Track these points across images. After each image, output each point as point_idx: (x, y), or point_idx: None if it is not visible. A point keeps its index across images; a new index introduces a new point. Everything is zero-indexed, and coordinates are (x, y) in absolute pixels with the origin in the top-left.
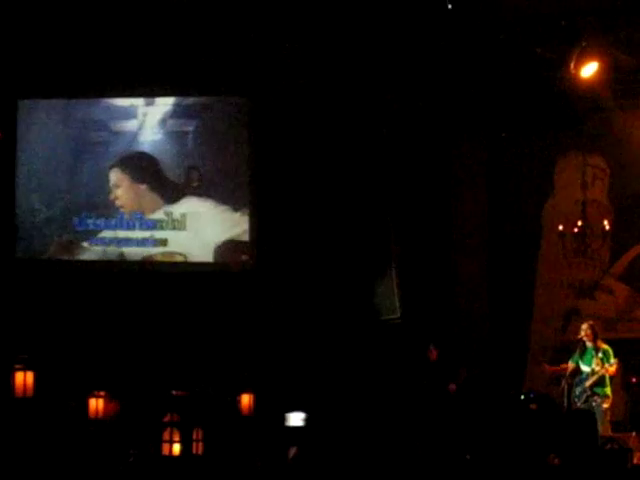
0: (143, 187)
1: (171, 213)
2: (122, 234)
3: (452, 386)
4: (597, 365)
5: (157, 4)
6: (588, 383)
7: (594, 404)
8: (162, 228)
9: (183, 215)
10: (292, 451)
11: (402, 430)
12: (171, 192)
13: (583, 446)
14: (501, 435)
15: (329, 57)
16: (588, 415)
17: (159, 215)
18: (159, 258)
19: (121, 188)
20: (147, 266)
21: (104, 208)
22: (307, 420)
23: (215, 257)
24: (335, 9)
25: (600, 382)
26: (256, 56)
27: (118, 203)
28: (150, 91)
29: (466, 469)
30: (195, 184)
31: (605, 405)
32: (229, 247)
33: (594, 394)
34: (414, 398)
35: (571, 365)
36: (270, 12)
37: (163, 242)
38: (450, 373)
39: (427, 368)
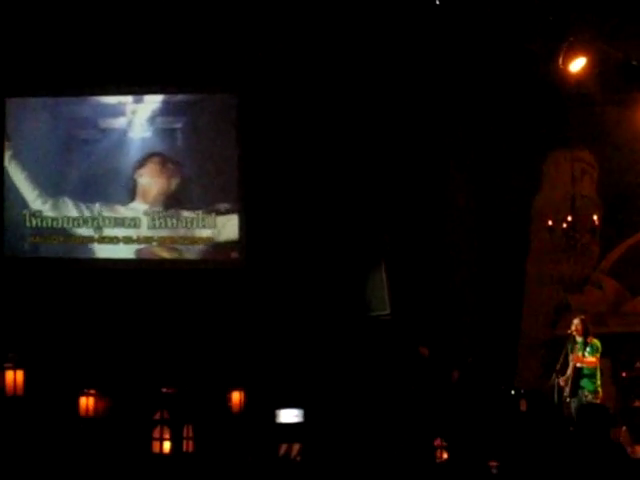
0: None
1: (160, 211)
2: (110, 232)
3: (455, 373)
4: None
5: (144, 2)
6: (563, 379)
7: (584, 399)
8: (154, 227)
9: (172, 213)
10: (283, 448)
11: (392, 426)
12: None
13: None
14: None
15: (317, 53)
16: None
17: (147, 212)
18: (148, 256)
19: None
20: (137, 264)
21: (93, 205)
22: (299, 416)
23: (205, 255)
24: (322, 4)
25: (589, 376)
26: (244, 53)
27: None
28: (138, 89)
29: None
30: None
31: (595, 400)
32: (219, 244)
33: (582, 388)
34: (404, 395)
35: (562, 361)
36: (257, 8)
37: (151, 239)
38: (442, 371)
39: (418, 366)
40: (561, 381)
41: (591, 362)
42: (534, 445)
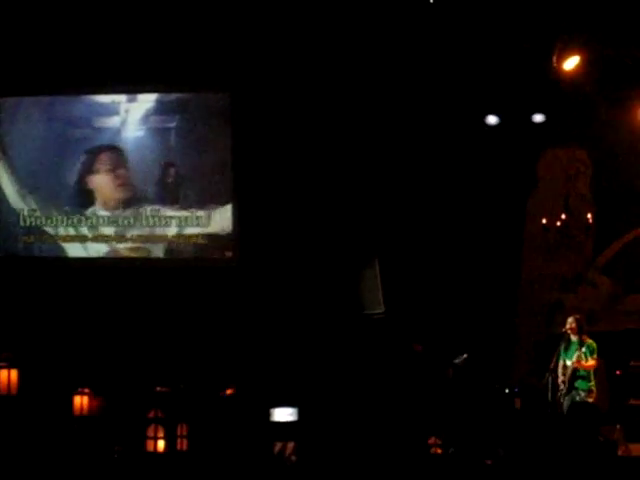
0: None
1: (157, 210)
2: (105, 230)
3: (450, 371)
4: (577, 358)
5: (138, 2)
6: (561, 378)
7: (578, 398)
8: (148, 225)
9: (166, 211)
10: (277, 446)
11: (386, 425)
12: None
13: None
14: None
15: (311, 51)
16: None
17: (140, 211)
18: (142, 254)
19: (98, 176)
20: (130, 263)
21: (87, 204)
22: (293, 415)
23: (198, 253)
24: (315, 2)
25: (584, 377)
26: (237, 51)
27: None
28: (132, 88)
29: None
30: (170, 180)
31: (589, 400)
32: (212, 243)
33: (575, 388)
34: (398, 393)
35: (561, 363)
36: (250, 6)
37: (144, 238)
38: (436, 369)
39: (412, 363)
40: (559, 380)
41: (591, 366)
42: (528, 443)
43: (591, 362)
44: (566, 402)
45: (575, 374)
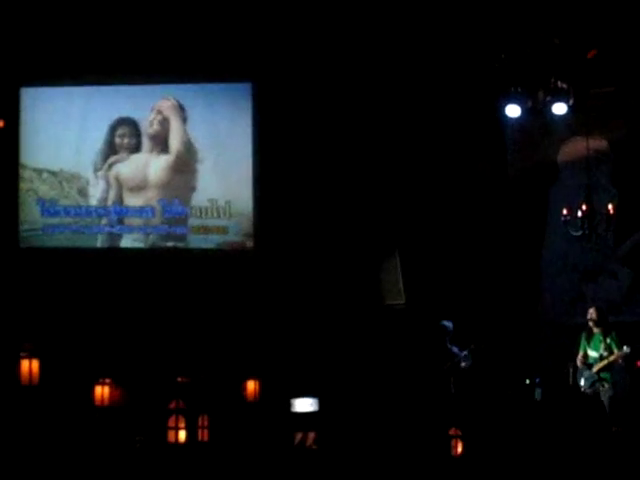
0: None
1: (175, 201)
2: (126, 221)
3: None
4: (605, 350)
5: None
6: (596, 368)
7: (601, 389)
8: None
9: (187, 202)
10: (298, 437)
11: (407, 415)
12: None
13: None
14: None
15: (336, 43)
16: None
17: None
18: (163, 245)
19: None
20: (152, 253)
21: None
22: (314, 405)
23: (220, 244)
24: None
25: (608, 368)
26: (261, 40)
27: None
28: (154, 78)
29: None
30: (192, 170)
31: (612, 391)
32: (234, 234)
33: (602, 379)
34: (418, 383)
35: (581, 353)
36: None
37: (166, 229)
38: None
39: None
40: (594, 369)
41: (623, 355)
42: (548, 435)
43: (624, 353)
44: (589, 393)
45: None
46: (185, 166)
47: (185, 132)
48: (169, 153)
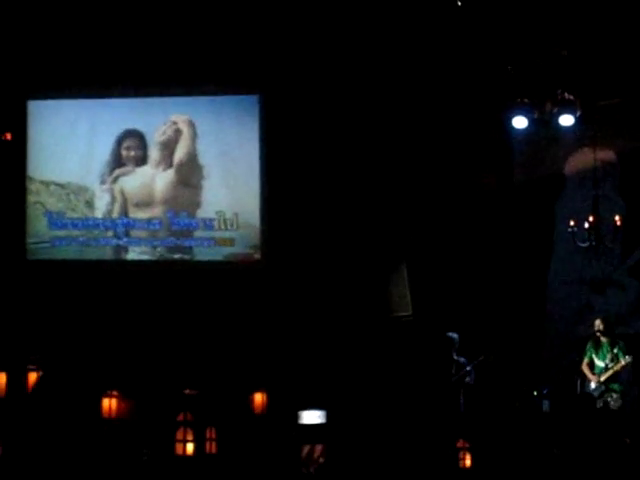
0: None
1: (185, 212)
2: (132, 233)
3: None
4: (611, 361)
5: (166, 3)
6: (603, 378)
7: (610, 399)
8: (176, 228)
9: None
10: (306, 449)
11: (413, 426)
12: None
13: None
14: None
15: (344, 52)
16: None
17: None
18: (171, 258)
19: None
20: (159, 266)
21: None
22: (321, 418)
23: (227, 256)
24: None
25: (614, 378)
26: (268, 52)
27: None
28: (161, 90)
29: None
30: (200, 182)
31: (621, 401)
32: (241, 246)
33: (610, 390)
34: (426, 395)
35: (586, 361)
36: (279, 7)
37: (172, 241)
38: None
39: (439, 365)
40: (595, 380)
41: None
42: (556, 446)
43: (626, 362)
44: (598, 404)
45: (615, 377)
46: (190, 181)
47: (193, 147)
48: (174, 167)
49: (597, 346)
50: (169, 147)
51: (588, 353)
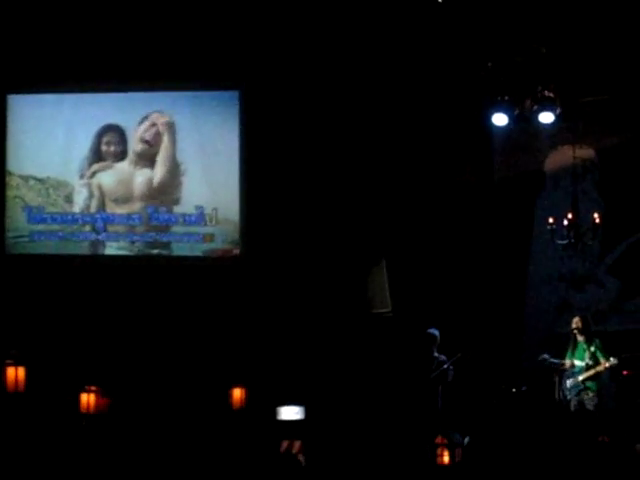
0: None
1: (164, 207)
2: (111, 228)
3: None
4: (590, 359)
5: None
6: (581, 377)
7: (586, 397)
8: (155, 223)
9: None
10: (284, 445)
11: (392, 423)
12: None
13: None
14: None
15: (323, 49)
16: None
17: (147, 208)
18: (149, 253)
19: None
20: (137, 261)
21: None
22: (300, 414)
23: (206, 251)
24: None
25: (595, 377)
26: (248, 48)
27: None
28: (140, 85)
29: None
30: (179, 177)
31: (596, 400)
32: (220, 241)
33: (587, 388)
34: (405, 391)
35: (568, 362)
36: (261, 3)
37: (151, 236)
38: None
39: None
40: (580, 378)
41: (610, 365)
42: (534, 443)
43: (610, 363)
44: (574, 402)
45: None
46: (170, 177)
47: (173, 143)
48: (154, 168)
49: (574, 345)
50: (149, 143)
51: (568, 354)
